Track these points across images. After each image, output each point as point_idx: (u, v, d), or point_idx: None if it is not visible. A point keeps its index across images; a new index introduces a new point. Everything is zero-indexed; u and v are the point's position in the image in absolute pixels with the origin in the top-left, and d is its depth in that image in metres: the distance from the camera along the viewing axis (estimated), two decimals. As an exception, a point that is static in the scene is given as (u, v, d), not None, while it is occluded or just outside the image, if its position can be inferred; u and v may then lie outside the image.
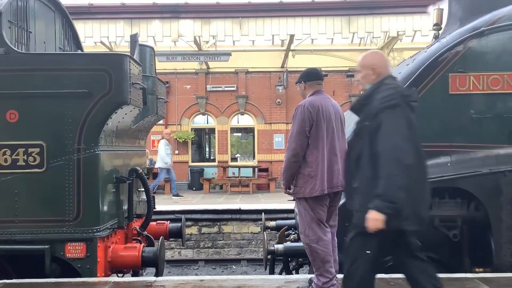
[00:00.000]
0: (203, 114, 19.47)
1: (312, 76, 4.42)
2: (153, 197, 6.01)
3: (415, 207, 3.06)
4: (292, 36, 15.84)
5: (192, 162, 19.31)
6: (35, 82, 4.86)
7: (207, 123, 19.76)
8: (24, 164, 4.84)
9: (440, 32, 6.38)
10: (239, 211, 11.94)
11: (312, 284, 4.15)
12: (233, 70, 18.77)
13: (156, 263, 5.20)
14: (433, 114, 5.23)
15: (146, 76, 6.10)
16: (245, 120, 19.63)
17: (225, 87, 19.00)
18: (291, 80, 17.17)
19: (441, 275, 4.71)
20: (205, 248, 11.89)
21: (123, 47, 17.18)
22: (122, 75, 4.90)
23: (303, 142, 4.08)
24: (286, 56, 17.60)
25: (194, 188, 18.30)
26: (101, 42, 16.56)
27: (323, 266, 4.05)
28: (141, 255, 5.16)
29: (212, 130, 19.72)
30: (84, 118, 4.86)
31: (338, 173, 4.11)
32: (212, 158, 20.08)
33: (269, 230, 7.16)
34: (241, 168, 17.86)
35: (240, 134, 20.71)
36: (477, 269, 5.19)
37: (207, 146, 20.72)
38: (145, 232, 5.89)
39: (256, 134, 19.30)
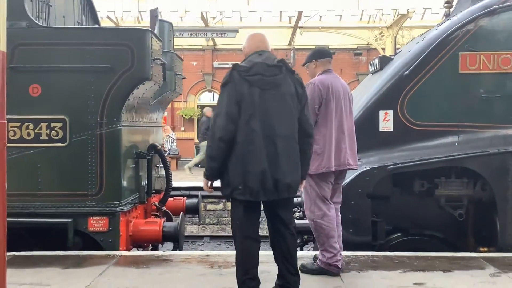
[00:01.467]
0: (209, 91, 19.44)
1: (324, 53, 4.46)
2: (171, 173, 6.04)
3: (244, 179, 3.18)
4: (300, 13, 15.70)
5: (198, 139, 19.34)
6: (58, 56, 4.85)
7: (214, 100, 19.74)
8: (47, 138, 4.86)
9: (451, 10, 6.31)
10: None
11: (317, 260, 4.21)
12: (240, 47, 18.65)
13: (176, 238, 5.26)
14: (441, 93, 5.22)
15: (165, 52, 6.07)
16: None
17: (232, 64, 18.87)
18: (298, 58, 17.08)
19: (445, 254, 4.85)
20: (210, 224, 11.96)
21: (130, 22, 17.06)
22: (144, 51, 4.89)
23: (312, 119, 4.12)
24: (293, 33, 17.49)
25: (199, 165, 18.35)
26: (108, 17, 16.42)
27: (328, 241, 4.11)
28: (162, 230, 5.22)
29: (218, 107, 19.71)
30: (106, 93, 4.86)
31: (345, 152, 4.16)
32: (217, 135, 20.09)
33: None
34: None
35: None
36: (481, 249, 5.23)
37: (213, 123, 20.69)
38: (164, 208, 5.93)
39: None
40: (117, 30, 5.15)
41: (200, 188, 10.66)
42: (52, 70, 4.86)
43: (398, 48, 16.06)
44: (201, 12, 15.99)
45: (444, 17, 6.49)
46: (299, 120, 3.35)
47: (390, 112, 5.32)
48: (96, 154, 4.88)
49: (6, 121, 2.59)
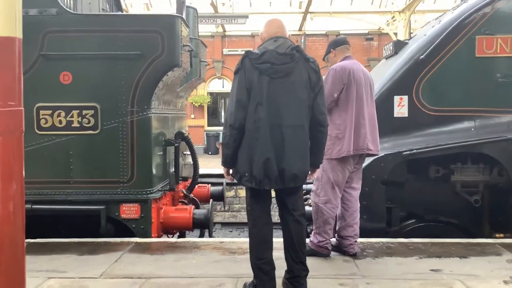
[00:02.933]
0: (219, 78, 19.38)
1: (340, 41, 4.47)
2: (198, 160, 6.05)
3: (249, 166, 3.21)
4: (311, -2, 15.59)
5: (208, 126, 19.37)
6: (88, 43, 4.83)
7: (223, 87, 19.68)
8: (78, 125, 4.86)
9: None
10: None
11: (308, 241, 4.25)
12: (249, 33, 18.57)
13: (206, 225, 5.28)
14: (458, 78, 5.17)
15: (190, 38, 6.04)
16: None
17: (242, 50, 18.79)
18: (308, 44, 17.02)
19: (461, 240, 4.83)
20: (222, 211, 12.01)
21: (138, 9, 16.97)
22: (174, 37, 4.86)
23: (329, 105, 4.10)
24: (304, 19, 17.37)
25: (210, 152, 18.43)
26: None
27: (323, 226, 4.17)
28: (192, 217, 5.23)
29: (228, 95, 19.66)
30: (137, 80, 4.84)
31: (364, 136, 4.16)
32: (228, 122, 20.09)
33: None
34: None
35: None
36: (497, 235, 5.21)
37: (222, 110, 20.70)
38: (192, 195, 5.95)
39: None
40: (147, 17, 5.11)
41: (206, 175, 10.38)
42: (82, 57, 4.84)
43: (412, 33, 16.01)
44: (211, -2, 15.91)
45: (461, 0, 6.41)
46: (311, 108, 3.31)
47: (405, 97, 5.27)
48: (127, 141, 4.88)
49: (23, 108, 2.58)
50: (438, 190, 5.31)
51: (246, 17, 16.09)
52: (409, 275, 3.86)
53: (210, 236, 5.37)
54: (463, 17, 5.17)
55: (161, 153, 5.32)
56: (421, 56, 5.19)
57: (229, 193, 12.08)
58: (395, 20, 16.68)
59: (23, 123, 2.63)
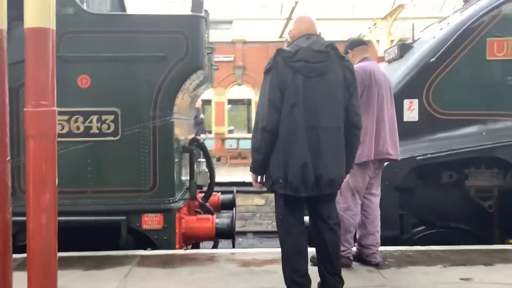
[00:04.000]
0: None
1: (357, 42, 4.37)
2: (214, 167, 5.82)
3: (284, 172, 3.02)
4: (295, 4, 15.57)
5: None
6: (108, 44, 4.58)
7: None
8: (97, 132, 4.58)
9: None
10: (243, 184, 11.72)
11: None
12: (230, 40, 18.43)
13: (230, 235, 5.06)
14: (468, 81, 5.14)
15: (204, 41, 5.84)
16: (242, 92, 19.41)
17: (223, 56, 18.64)
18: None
19: (479, 247, 4.75)
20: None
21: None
22: (198, 38, 4.66)
23: None
24: (286, 26, 17.33)
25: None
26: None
27: (344, 235, 3.98)
28: (215, 227, 5.01)
29: (208, 102, 19.41)
30: (160, 84, 4.61)
31: (384, 140, 4.04)
32: (208, 130, 19.89)
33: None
34: (239, 140, 17.72)
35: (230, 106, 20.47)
36: (510, 241, 5.19)
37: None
38: (208, 204, 5.71)
39: (254, 106, 19.14)
40: (170, 17, 4.87)
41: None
42: (102, 59, 4.58)
43: (393, 40, 16.15)
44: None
45: (464, 2, 6.39)
46: (346, 109, 3.16)
47: (415, 101, 5.21)
48: (149, 148, 4.64)
49: (56, 108, 2.36)
50: (448, 196, 5.24)
51: (230, 22, 15.95)
52: (440, 285, 3.73)
53: (234, 246, 5.15)
54: (473, 19, 5.15)
55: (180, 160, 5.08)
56: (432, 59, 5.13)
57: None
58: (376, 27, 16.82)
59: (56, 125, 2.41)
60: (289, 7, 16.06)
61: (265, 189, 3.26)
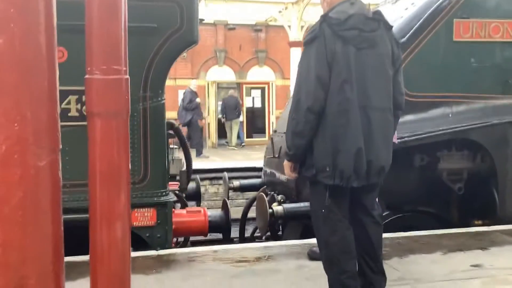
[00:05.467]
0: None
1: None
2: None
3: (334, 159, 2.67)
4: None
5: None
6: (89, 12, 3.86)
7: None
8: (77, 115, 3.87)
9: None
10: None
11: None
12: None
13: (226, 228, 4.59)
14: (436, 62, 5.11)
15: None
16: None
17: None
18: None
19: (462, 230, 4.78)
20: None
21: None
22: (193, 9, 4.10)
23: None
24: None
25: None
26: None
27: None
28: (207, 220, 4.51)
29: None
30: (151, 59, 3.99)
31: None
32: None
33: (232, 191, 6.66)
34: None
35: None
36: (476, 222, 5.25)
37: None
38: (184, 195, 5.15)
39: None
40: (163, -16, 4.25)
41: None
42: (81, 29, 3.84)
43: (303, 26, 16.11)
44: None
45: None
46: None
47: None
48: (139, 133, 4.02)
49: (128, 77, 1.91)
50: (418, 179, 5.18)
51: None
52: (457, 274, 3.63)
53: (228, 240, 4.67)
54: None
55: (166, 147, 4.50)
56: (402, 39, 5.01)
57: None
58: (287, 9, 16.58)
59: (129, 100, 1.89)
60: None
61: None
